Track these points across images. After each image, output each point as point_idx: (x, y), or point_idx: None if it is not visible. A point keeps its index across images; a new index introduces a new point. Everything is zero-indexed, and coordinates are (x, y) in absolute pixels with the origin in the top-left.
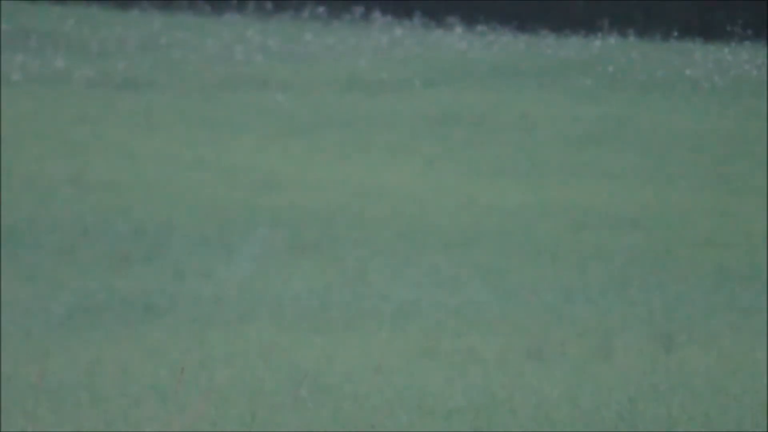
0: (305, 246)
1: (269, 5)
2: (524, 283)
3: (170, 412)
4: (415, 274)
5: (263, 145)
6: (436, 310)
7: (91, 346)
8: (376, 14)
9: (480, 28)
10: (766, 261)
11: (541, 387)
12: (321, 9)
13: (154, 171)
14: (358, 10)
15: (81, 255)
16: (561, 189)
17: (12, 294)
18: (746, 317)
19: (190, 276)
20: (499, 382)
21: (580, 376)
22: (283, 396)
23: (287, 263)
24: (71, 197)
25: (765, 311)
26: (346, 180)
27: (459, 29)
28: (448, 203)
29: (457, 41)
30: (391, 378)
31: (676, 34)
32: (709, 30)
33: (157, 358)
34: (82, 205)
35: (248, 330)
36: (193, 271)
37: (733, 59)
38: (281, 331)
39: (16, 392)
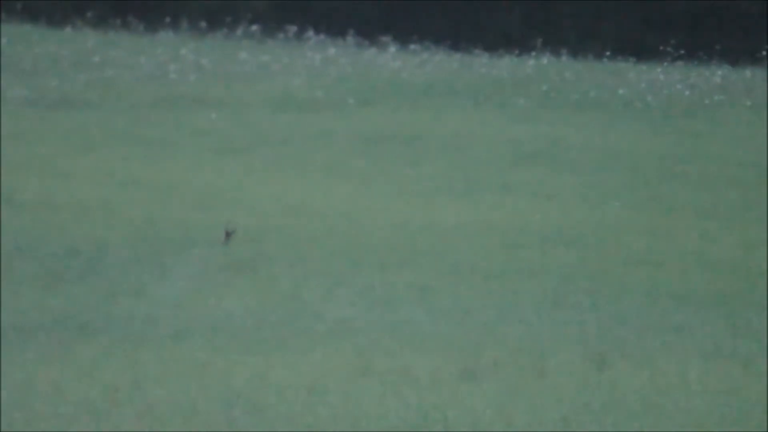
0: (239, 265)
1: (203, 24)
2: (458, 302)
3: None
4: (349, 293)
5: (197, 163)
6: (370, 330)
7: (23, 366)
8: (310, 33)
9: (413, 47)
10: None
11: (474, 406)
12: (255, 28)
13: (88, 190)
14: (292, 29)
15: (14, 274)
16: (495, 208)
17: None
18: (679, 336)
19: (124, 295)
20: (433, 401)
21: (514, 395)
22: (216, 416)
23: (221, 282)
24: (4, 216)
25: (697, 330)
26: (280, 199)
27: (392, 48)
28: (382, 222)
29: (390, 60)
30: (325, 397)
31: (609, 53)
32: (641, 50)
33: (90, 377)
34: (15, 224)
35: (182, 349)
36: (126, 290)
37: (665, 79)
38: (215, 351)
39: None
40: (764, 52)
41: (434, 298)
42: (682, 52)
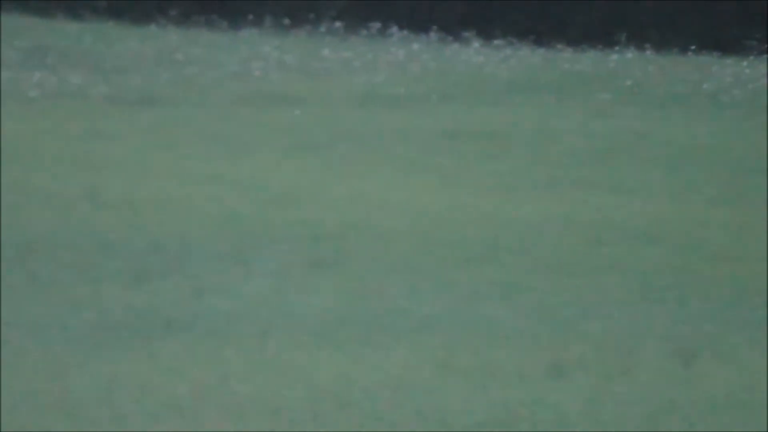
0: (322, 262)
1: (286, 21)
2: (542, 298)
3: (189, 429)
4: (433, 289)
5: (279, 160)
6: (454, 326)
7: (109, 363)
8: (393, 29)
9: (497, 42)
10: None
11: (560, 403)
12: (338, 24)
13: (171, 187)
14: (375, 25)
15: (98, 271)
16: (578, 203)
17: (30, 311)
18: (765, 331)
19: (208, 292)
20: (519, 398)
21: (600, 392)
22: (302, 413)
23: (304, 279)
24: (88, 214)
25: None
26: (362, 195)
27: (475, 44)
28: (465, 218)
29: (473, 56)
30: (411, 394)
31: (693, 48)
32: (726, 44)
33: (175, 374)
34: (99, 222)
35: (266, 346)
36: (210, 287)
37: (750, 73)
38: (299, 348)
39: (35, 410)
40: None
41: (518, 294)
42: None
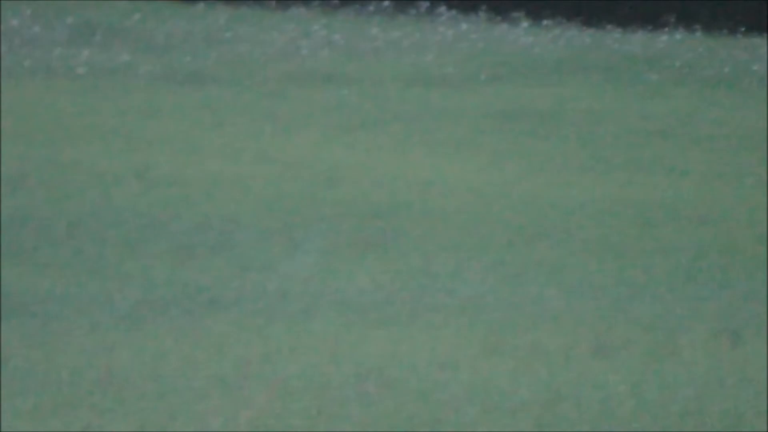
0: (369, 241)
1: (335, 0)
2: (589, 279)
3: (235, 406)
4: (479, 269)
5: (327, 139)
6: (500, 306)
7: (156, 340)
8: (442, 9)
9: (546, 22)
10: None
11: (606, 383)
12: (386, 3)
13: (219, 165)
14: (424, 4)
15: (146, 249)
16: (626, 184)
17: (77, 288)
18: None
19: (254, 270)
20: (564, 377)
21: (646, 372)
22: (348, 390)
23: (351, 258)
24: (136, 191)
25: None
26: (410, 175)
27: (524, 24)
28: (512, 198)
29: (522, 36)
30: (456, 373)
31: (743, 29)
32: None
33: (221, 351)
34: (147, 199)
35: (313, 324)
36: (257, 264)
37: None
38: (346, 326)
39: (82, 386)
40: None
41: (565, 274)
42: None
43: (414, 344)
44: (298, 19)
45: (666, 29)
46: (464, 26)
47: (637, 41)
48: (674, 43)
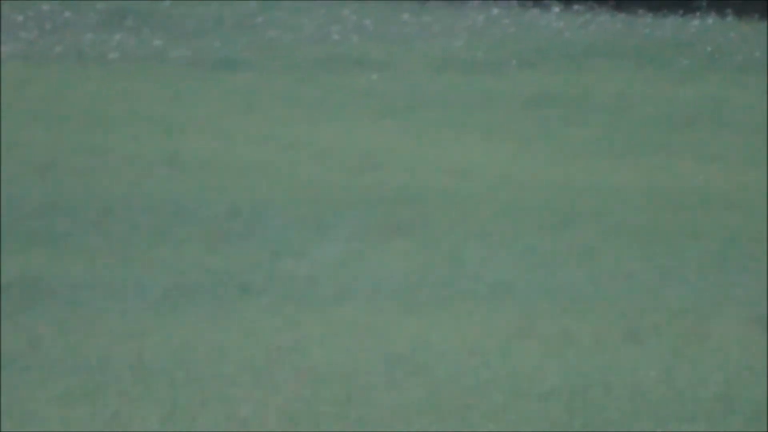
0: (399, 226)
1: None
2: (620, 264)
3: (265, 392)
4: (510, 254)
5: (358, 125)
6: (531, 291)
7: (186, 326)
8: None
9: (577, 7)
10: None
11: (636, 368)
12: None
13: (249, 151)
14: None
15: (176, 235)
16: (657, 169)
17: (107, 274)
18: None
19: (285, 256)
20: (595, 363)
21: (677, 358)
22: (377, 376)
23: (381, 244)
24: (167, 177)
25: None
26: (440, 160)
27: (555, 9)
28: (543, 183)
29: (553, 20)
30: (486, 359)
31: None
32: None
33: (252, 337)
34: (178, 185)
35: (343, 310)
36: (287, 250)
37: None
38: (376, 312)
39: (112, 372)
40: None
41: (596, 260)
42: None
43: (444, 330)
44: (329, 4)
45: (697, 14)
46: (495, 11)
47: (668, 26)
48: (705, 28)
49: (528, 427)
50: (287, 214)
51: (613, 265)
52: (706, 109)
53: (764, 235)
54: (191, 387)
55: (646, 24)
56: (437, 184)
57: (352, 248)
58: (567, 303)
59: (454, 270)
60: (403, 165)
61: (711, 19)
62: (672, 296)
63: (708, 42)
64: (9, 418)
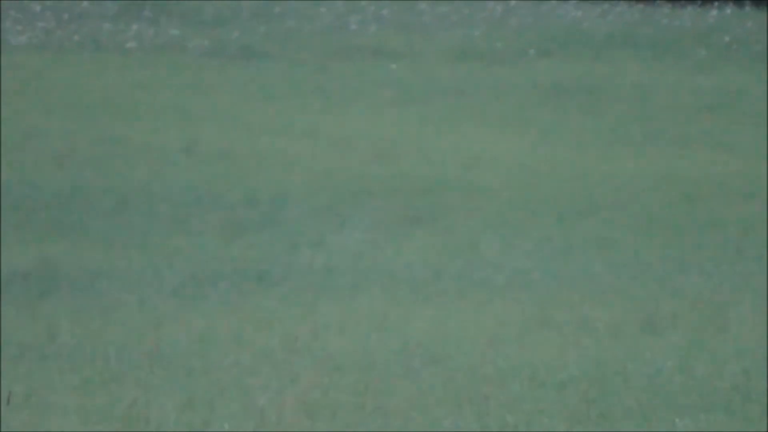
0: (417, 216)
1: None
2: (637, 254)
3: (283, 381)
4: (527, 244)
5: (376, 114)
6: (548, 281)
7: (204, 315)
8: None
9: None
10: None
11: (654, 358)
12: None
13: (268, 140)
14: None
15: (194, 224)
16: (675, 159)
17: (125, 263)
18: None
19: (303, 245)
20: (612, 353)
21: (694, 348)
22: (395, 366)
23: (399, 233)
24: (185, 166)
25: None
26: (458, 150)
27: None
28: (561, 173)
29: (571, 11)
30: (503, 348)
31: None
32: None
33: (269, 326)
34: (196, 175)
35: (360, 300)
36: (305, 240)
37: None
38: (393, 302)
39: (130, 361)
40: None
41: (613, 249)
42: None
43: (461, 319)
44: None
45: (715, 4)
46: (513, 1)
47: (686, 16)
48: (724, 18)
49: (545, 416)
50: (305, 204)
51: (630, 254)
52: (724, 98)
53: None
54: (209, 376)
55: (664, 14)
56: (455, 173)
57: (370, 238)
58: (584, 292)
59: (471, 260)
60: (421, 155)
61: (729, 9)
62: (689, 286)
63: (726, 32)
64: (28, 407)
